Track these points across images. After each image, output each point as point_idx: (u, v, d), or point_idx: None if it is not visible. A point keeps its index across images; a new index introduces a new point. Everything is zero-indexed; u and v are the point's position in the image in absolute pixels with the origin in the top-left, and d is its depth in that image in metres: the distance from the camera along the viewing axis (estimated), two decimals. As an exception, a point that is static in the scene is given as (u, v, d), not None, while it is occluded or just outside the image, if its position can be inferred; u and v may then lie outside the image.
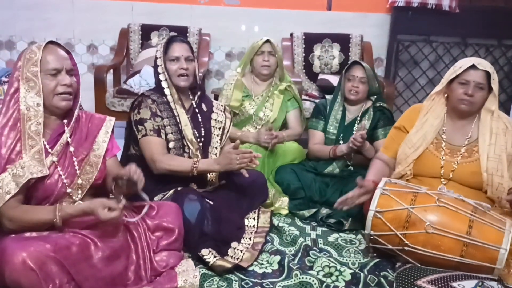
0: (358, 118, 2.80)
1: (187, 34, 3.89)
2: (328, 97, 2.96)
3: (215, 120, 2.40)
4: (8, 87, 1.71)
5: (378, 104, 2.82)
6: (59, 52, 1.73)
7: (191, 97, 2.38)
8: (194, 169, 2.14)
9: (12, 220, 1.62)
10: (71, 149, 1.77)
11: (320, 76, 3.86)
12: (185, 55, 2.28)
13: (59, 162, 1.74)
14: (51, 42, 1.74)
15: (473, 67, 2.09)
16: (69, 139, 1.77)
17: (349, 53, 3.94)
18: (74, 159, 1.77)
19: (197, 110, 2.36)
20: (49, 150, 1.72)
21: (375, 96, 2.85)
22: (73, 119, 1.78)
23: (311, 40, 3.96)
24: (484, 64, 2.10)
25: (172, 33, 3.78)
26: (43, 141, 1.70)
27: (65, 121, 1.78)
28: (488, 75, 2.08)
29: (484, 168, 2.07)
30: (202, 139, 2.31)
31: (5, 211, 1.61)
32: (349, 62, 3.04)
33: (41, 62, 1.68)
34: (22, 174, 1.63)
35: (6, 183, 1.61)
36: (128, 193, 1.76)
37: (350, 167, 2.75)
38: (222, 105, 2.50)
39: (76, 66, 1.79)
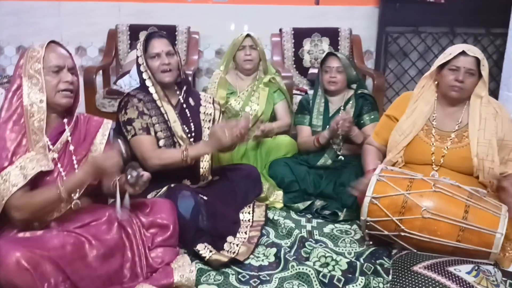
0: (342, 108, 2.80)
1: (176, 33, 3.87)
2: (311, 92, 2.96)
3: (204, 113, 2.38)
4: (10, 84, 1.75)
5: (359, 91, 2.82)
6: (61, 51, 1.78)
7: (177, 92, 2.35)
8: (185, 157, 2.10)
9: (20, 208, 1.63)
10: (71, 147, 1.79)
11: (311, 71, 3.86)
12: (165, 50, 2.24)
13: (59, 159, 1.76)
14: (52, 41, 1.77)
15: (463, 53, 2.10)
16: (69, 138, 1.79)
17: (339, 47, 3.93)
18: (74, 157, 1.79)
19: (184, 106, 2.34)
20: (51, 147, 1.74)
21: (356, 84, 2.85)
22: (74, 119, 1.81)
23: (300, 35, 3.96)
24: (474, 50, 2.11)
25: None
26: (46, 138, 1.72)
27: (65, 120, 1.81)
28: (478, 61, 2.09)
29: (475, 153, 2.08)
30: (193, 134, 2.29)
31: (12, 202, 1.62)
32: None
33: (43, 60, 1.71)
34: (30, 166, 1.65)
35: (14, 176, 1.62)
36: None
37: (341, 157, 2.74)
38: (210, 97, 2.48)
39: (76, 66, 1.82)
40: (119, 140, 1.73)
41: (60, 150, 1.77)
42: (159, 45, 2.25)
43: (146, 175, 1.74)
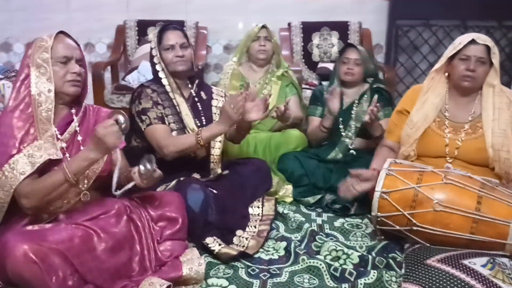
0: (356, 101, 2.77)
1: (184, 28, 3.85)
2: (325, 83, 2.93)
3: (216, 107, 2.36)
4: (18, 73, 1.74)
5: (375, 85, 2.79)
6: (69, 42, 1.77)
7: (189, 86, 2.34)
8: (199, 139, 2.06)
9: (28, 195, 1.62)
10: (79, 138, 1.78)
11: (320, 65, 3.83)
12: (179, 42, 2.24)
13: (67, 149, 1.75)
14: (61, 32, 1.76)
15: (472, 42, 2.06)
16: (77, 128, 1.78)
17: (348, 41, 3.87)
18: (82, 148, 1.77)
19: (196, 99, 2.33)
20: (59, 136, 1.73)
21: (372, 79, 2.82)
22: (82, 109, 1.80)
23: (309, 29, 3.93)
24: (483, 38, 2.07)
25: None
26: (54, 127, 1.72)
27: (73, 110, 1.80)
28: (488, 49, 2.05)
29: (490, 144, 2.03)
30: (204, 127, 2.27)
31: (20, 189, 1.62)
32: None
33: (52, 50, 1.70)
34: (38, 155, 1.63)
35: (22, 164, 1.61)
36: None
37: (352, 151, 2.71)
38: (222, 91, 2.46)
39: (84, 58, 1.81)
40: (118, 114, 1.65)
41: (68, 140, 1.76)
42: (174, 37, 2.25)
43: (158, 172, 1.72)
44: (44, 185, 1.63)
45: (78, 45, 1.80)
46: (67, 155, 1.74)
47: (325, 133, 2.72)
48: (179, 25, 3.72)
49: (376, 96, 2.50)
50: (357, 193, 2.11)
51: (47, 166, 1.67)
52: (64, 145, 1.74)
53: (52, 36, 1.72)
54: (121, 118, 1.63)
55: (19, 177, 1.60)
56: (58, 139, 1.73)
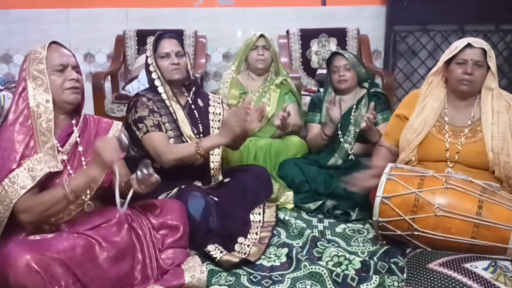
0: (354, 107, 2.78)
1: (183, 37, 3.88)
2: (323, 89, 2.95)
3: (213, 113, 2.37)
4: (16, 87, 1.75)
5: (372, 90, 2.80)
6: (63, 50, 1.77)
7: (185, 93, 2.35)
8: (199, 149, 2.06)
9: (28, 210, 1.61)
10: (80, 149, 1.78)
11: (319, 71, 3.84)
12: (175, 51, 2.25)
13: (68, 161, 1.75)
14: (54, 42, 1.77)
15: (469, 46, 2.07)
16: (78, 139, 1.78)
17: (347, 47, 3.91)
18: (83, 159, 1.77)
19: (193, 106, 2.33)
20: (60, 148, 1.73)
21: (368, 83, 2.83)
22: (81, 119, 1.80)
23: (307, 36, 3.95)
24: (479, 42, 2.08)
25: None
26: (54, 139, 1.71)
27: (73, 121, 1.80)
28: (484, 52, 2.06)
29: (489, 147, 2.04)
30: (201, 134, 2.28)
31: (20, 204, 1.61)
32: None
33: (47, 60, 1.71)
34: (39, 168, 1.63)
35: (22, 178, 1.60)
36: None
37: (352, 156, 2.72)
38: (219, 98, 2.47)
39: (79, 65, 1.81)
40: (122, 133, 1.68)
41: (69, 151, 1.76)
42: (169, 45, 2.26)
43: (155, 177, 1.72)
44: (43, 201, 1.62)
45: (72, 53, 1.80)
46: (68, 167, 1.74)
47: (326, 140, 2.73)
48: (178, 34, 3.80)
49: (372, 103, 2.50)
50: (362, 189, 2.10)
51: (48, 179, 1.66)
52: (65, 157, 1.73)
53: (46, 46, 1.73)
54: (123, 137, 1.66)
55: (19, 191, 1.59)
56: (59, 151, 1.72)
